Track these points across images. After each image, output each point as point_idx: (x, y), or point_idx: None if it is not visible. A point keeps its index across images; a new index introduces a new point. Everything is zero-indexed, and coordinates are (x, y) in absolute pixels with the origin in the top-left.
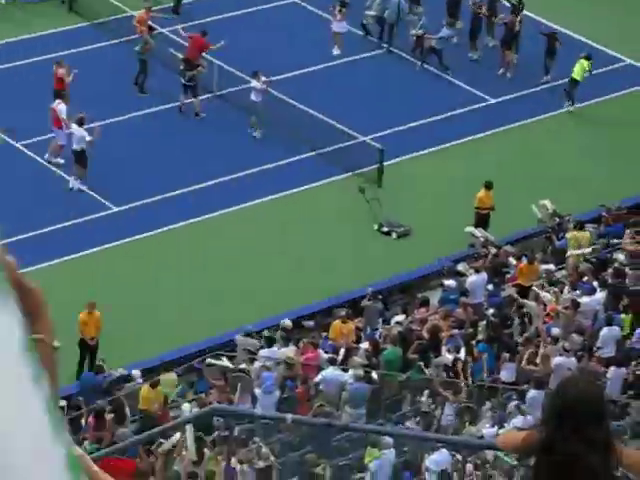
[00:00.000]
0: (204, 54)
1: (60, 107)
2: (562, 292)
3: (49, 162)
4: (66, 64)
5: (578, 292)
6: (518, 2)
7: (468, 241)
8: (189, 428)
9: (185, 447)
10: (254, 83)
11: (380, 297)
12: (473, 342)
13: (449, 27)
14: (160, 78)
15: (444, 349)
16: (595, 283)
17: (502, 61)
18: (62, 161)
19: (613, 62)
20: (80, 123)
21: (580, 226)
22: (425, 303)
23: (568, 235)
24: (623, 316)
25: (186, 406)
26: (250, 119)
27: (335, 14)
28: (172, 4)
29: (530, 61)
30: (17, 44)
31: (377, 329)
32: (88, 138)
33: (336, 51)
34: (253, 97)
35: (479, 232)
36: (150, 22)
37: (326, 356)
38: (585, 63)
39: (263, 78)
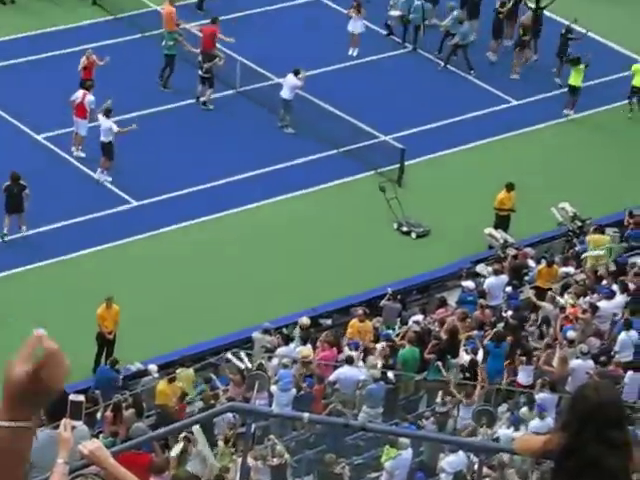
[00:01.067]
0: (219, 45)
1: (89, 98)
2: (580, 296)
3: (73, 156)
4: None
5: (597, 296)
6: (536, 6)
7: (487, 242)
8: (198, 431)
9: (201, 454)
10: (293, 80)
11: (399, 297)
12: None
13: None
14: (182, 73)
15: (462, 350)
16: (615, 287)
17: (516, 61)
18: (83, 155)
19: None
20: (107, 115)
21: (600, 230)
22: (443, 304)
23: (587, 238)
24: None
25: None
26: (281, 115)
27: (350, 14)
28: (196, 0)
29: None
30: (39, 37)
31: (394, 329)
32: (115, 129)
33: (352, 52)
34: (286, 94)
35: (499, 234)
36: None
37: (346, 354)
38: (581, 67)
39: (301, 75)
